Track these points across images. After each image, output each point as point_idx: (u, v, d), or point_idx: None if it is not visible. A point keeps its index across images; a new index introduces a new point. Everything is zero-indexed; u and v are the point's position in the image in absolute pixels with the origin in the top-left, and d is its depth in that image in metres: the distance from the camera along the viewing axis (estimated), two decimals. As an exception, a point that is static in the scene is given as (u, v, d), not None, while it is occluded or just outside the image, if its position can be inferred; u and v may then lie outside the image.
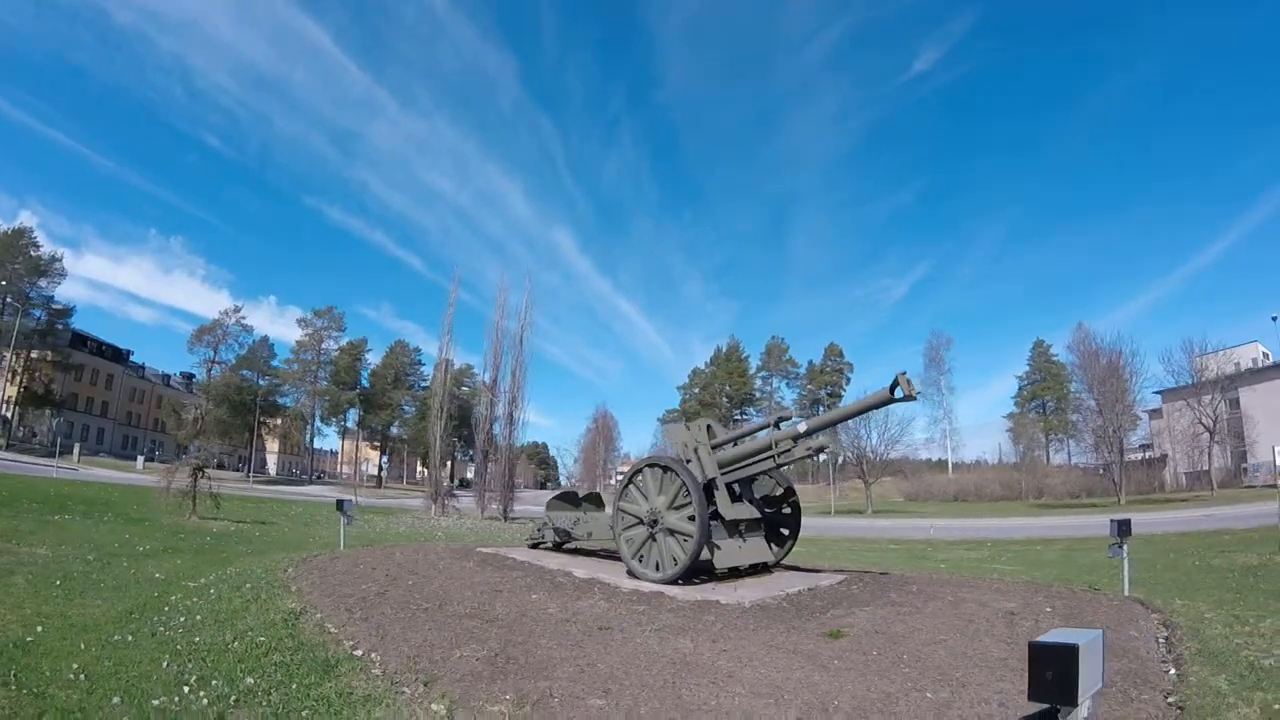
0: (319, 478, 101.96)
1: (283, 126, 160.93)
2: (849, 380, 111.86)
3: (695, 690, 5.16)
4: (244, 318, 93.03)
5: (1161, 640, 6.82)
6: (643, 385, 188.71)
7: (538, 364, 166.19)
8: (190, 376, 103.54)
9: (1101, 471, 65.40)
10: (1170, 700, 5.20)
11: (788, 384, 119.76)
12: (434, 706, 4.95)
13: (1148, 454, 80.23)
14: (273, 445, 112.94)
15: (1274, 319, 65.47)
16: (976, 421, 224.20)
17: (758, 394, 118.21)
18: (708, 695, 5.06)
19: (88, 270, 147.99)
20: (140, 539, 15.00)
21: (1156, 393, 72.72)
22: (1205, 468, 62.67)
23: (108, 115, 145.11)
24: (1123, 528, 10.79)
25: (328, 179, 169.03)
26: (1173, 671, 5.90)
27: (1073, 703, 2.97)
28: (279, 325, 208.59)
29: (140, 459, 69.17)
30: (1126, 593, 9.74)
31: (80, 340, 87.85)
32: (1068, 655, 2.99)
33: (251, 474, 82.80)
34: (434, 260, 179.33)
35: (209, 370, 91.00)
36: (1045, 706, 3.09)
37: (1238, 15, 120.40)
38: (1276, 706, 5.04)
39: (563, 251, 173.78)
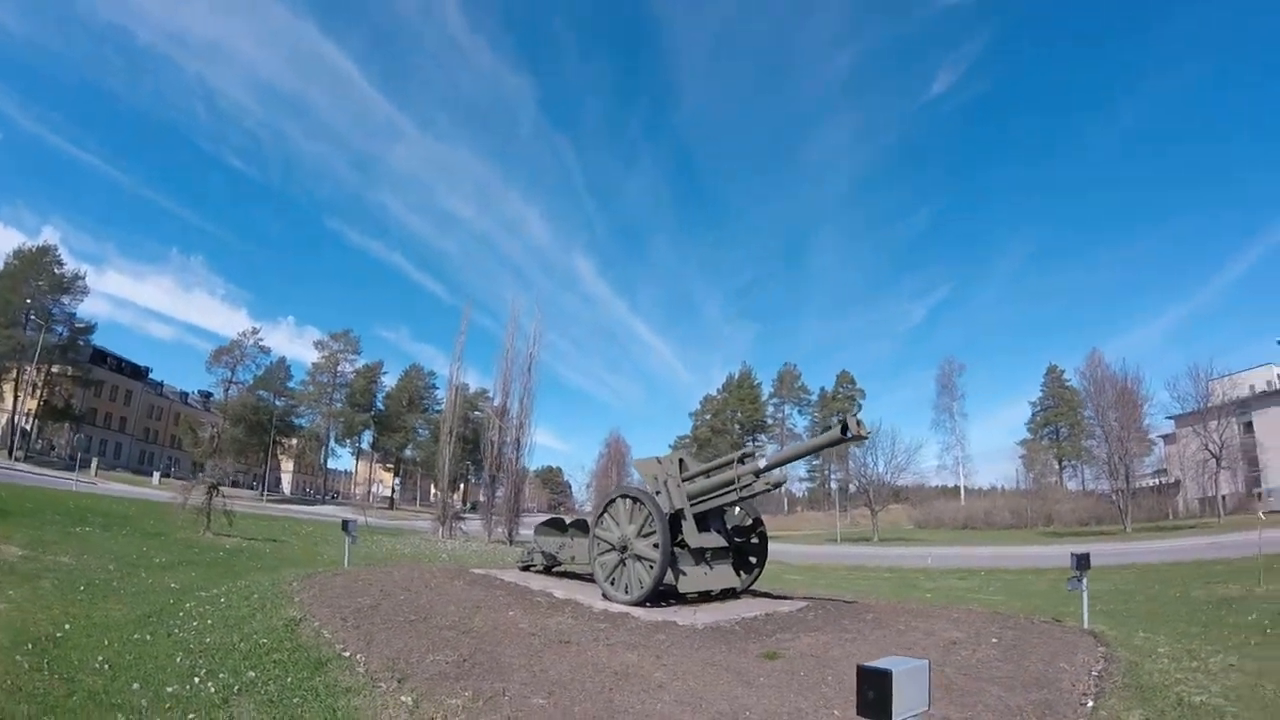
0: (333, 498, 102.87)
1: (304, 148, 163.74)
2: (860, 407, 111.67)
3: (627, 696, 5.94)
4: (262, 339, 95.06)
5: (1094, 673, 7.28)
6: (660, 408, 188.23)
7: (554, 387, 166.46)
8: (208, 395, 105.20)
9: (1113, 499, 65.21)
10: None
11: (800, 411, 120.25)
12: (403, 698, 5.75)
13: (1160, 480, 79.76)
14: (288, 465, 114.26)
15: (1278, 342, 65.19)
16: (991, 448, 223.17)
17: (769, 420, 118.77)
18: (636, 701, 5.84)
19: (109, 287, 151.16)
20: (157, 552, 15.83)
21: (1170, 418, 72.33)
22: (1213, 494, 62.50)
23: (132, 134, 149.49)
24: (1081, 561, 11.03)
25: (348, 201, 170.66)
26: (1090, 704, 6.31)
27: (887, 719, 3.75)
28: (297, 345, 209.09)
29: (156, 474, 70.28)
30: (1086, 624, 10.13)
31: (100, 356, 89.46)
32: (884, 679, 3.75)
33: (266, 493, 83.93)
34: (453, 284, 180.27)
35: (226, 390, 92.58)
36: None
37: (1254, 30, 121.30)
38: None
39: (581, 275, 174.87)
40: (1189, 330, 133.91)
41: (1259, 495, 61.31)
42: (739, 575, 11.87)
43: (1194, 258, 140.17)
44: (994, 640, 8.52)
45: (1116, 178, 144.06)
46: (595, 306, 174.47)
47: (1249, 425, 70.57)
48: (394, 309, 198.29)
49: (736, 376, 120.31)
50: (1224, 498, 61.94)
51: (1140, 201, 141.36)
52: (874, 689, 3.71)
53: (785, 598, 12.50)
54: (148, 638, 7.75)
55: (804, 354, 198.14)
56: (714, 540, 11.10)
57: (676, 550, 10.34)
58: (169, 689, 6.01)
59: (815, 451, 13.14)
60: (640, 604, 9.83)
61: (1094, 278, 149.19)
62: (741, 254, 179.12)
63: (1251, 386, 72.25)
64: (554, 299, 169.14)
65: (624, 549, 10.29)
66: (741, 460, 10.85)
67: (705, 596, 11.07)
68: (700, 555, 10.87)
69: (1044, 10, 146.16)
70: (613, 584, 10.41)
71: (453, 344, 50.80)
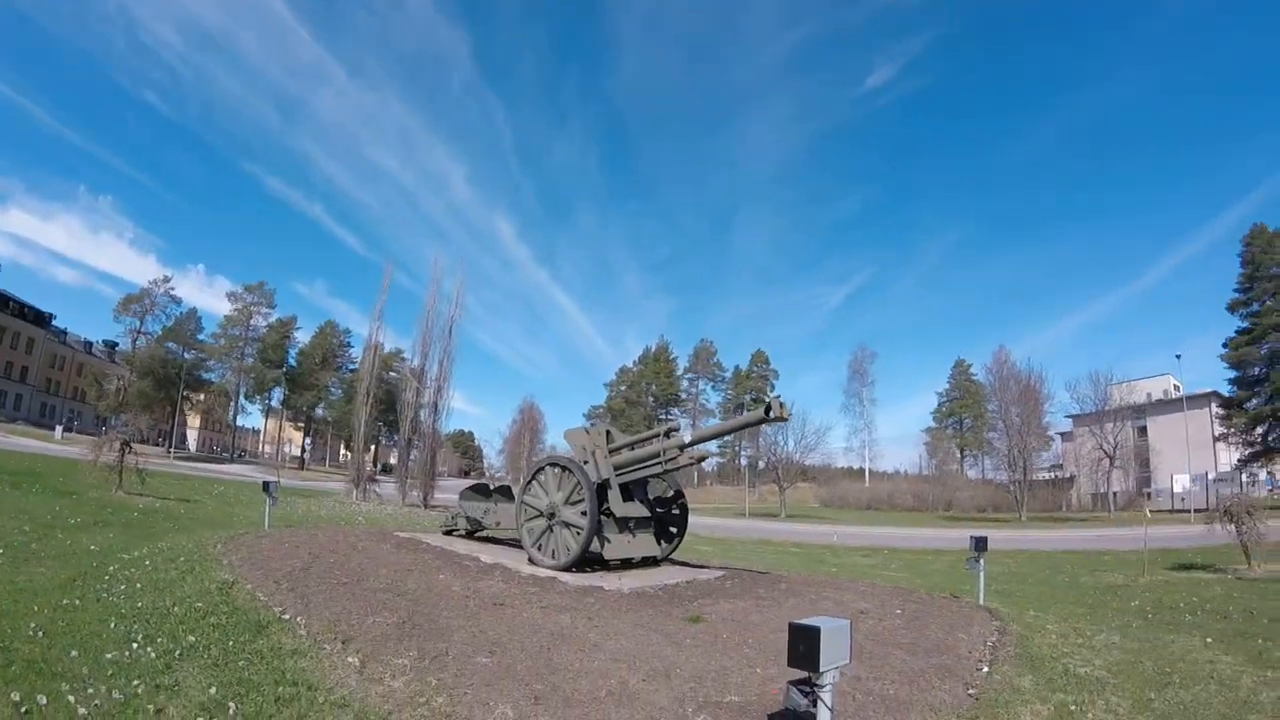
0: (240, 456, 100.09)
1: (227, 88, 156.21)
2: (773, 387, 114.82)
3: (565, 655, 6.35)
4: (173, 288, 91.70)
5: (989, 644, 7.98)
6: (574, 378, 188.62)
7: (469, 351, 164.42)
8: (114, 345, 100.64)
9: (1010, 489, 68.63)
10: (970, 693, 6.25)
11: (714, 387, 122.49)
12: (349, 659, 6.00)
13: (1056, 475, 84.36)
14: (194, 421, 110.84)
15: (1177, 357, 69.83)
16: (897, 433, 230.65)
17: (684, 395, 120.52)
18: (574, 659, 6.26)
19: (12, 225, 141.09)
20: (71, 512, 15.41)
21: (1069, 417, 76.58)
22: (1105, 490, 66.54)
23: (44, 62, 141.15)
24: (980, 544, 11.81)
25: (269, 146, 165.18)
26: (985, 669, 6.96)
27: (815, 669, 4.26)
28: (207, 296, 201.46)
29: (59, 428, 67.41)
30: (982, 601, 10.83)
31: (2, 301, 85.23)
32: (813, 634, 4.27)
33: (172, 449, 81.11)
34: (371, 239, 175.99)
35: (134, 340, 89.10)
36: (803, 673, 4.38)
37: (1191, 52, 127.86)
38: (1072, 708, 6.06)
39: (503, 238, 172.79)
40: (1094, 336, 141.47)
41: (1148, 495, 65.26)
42: (660, 544, 12.42)
43: (1106, 267, 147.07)
44: (898, 612, 9.20)
45: (1040, 181, 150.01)
46: (514, 270, 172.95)
47: (1143, 430, 75.48)
48: (309, 262, 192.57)
49: (653, 350, 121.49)
50: (1115, 494, 66.08)
51: (1060, 206, 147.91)
52: (804, 643, 4.26)
53: (703, 566, 13.12)
54: (77, 603, 7.66)
55: (721, 331, 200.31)
56: (638, 510, 11.58)
57: (602, 518, 10.74)
58: (108, 655, 5.98)
59: (738, 430, 13.72)
60: (567, 569, 10.25)
61: (1009, 277, 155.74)
62: (664, 227, 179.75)
63: (1149, 394, 77.23)
64: (473, 260, 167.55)
65: (552, 516, 10.66)
66: (667, 435, 11.32)
67: (628, 564, 11.54)
68: (624, 524, 11.33)
69: (987, 12, 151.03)
70: (540, 549, 10.78)
71: (369, 300, 50.21)
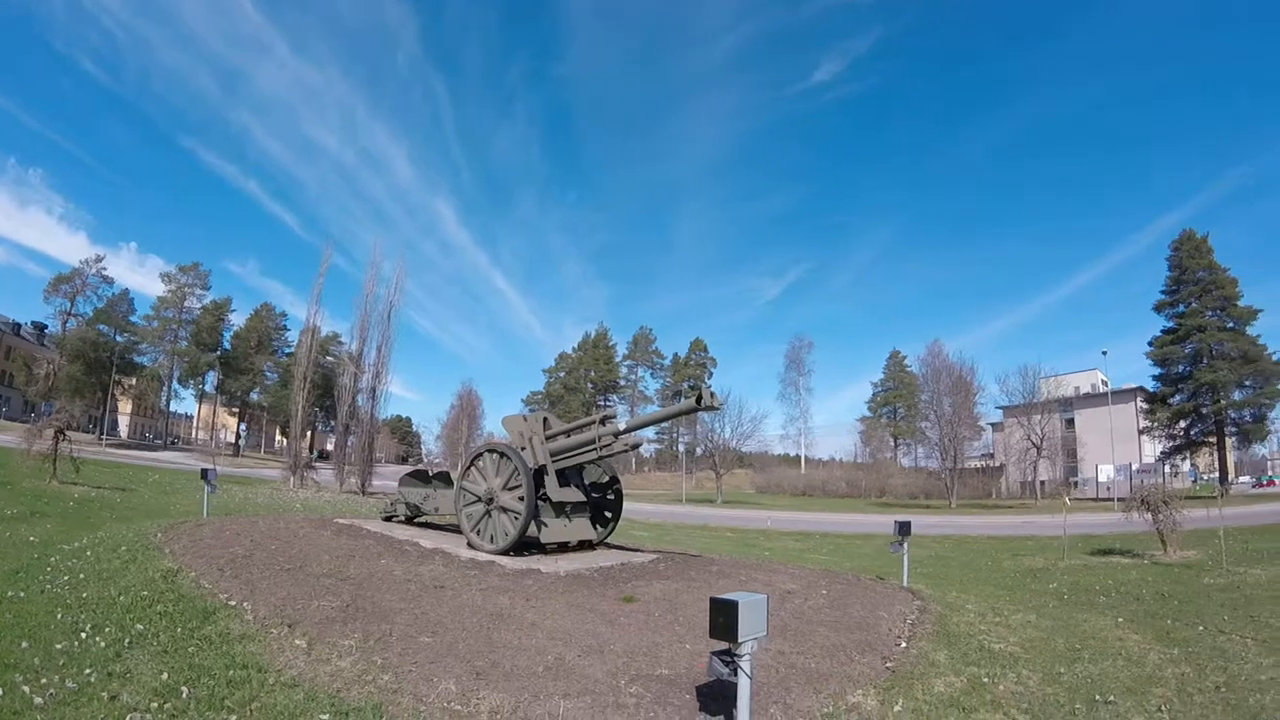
0: (174, 443, 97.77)
1: (165, 56, 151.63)
2: (711, 375, 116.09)
3: (504, 634, 6.71)
4: (105, 268, 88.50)
5: (909, 621, 8.52)
6: (512, 364, 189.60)
7: (407, 335, 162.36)
8: (43, 327, 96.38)
9: (942, 477, 70.72)
10: (888, 665, 6.73)
11: (652, 374, 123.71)
12: (297, 642, 6.24)
13: (986, 463, 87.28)
14: (125, 406, 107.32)
15: (1103, 353, 72.69)
16: (832, 421, 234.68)
17: (623, 382, 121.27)
18: (513, 637, 6.61)
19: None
20: (5, 503, 15.24)
21: (999, 408, 79.29)
22: (1033, 479, 69.10)
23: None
24: (903, 528, 12.33)
25: (206, 119, 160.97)
26: (903, 645, 7.46)
27: (735, 640, 4.69)
28: (139, 275, 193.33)
29: (-15, 416, 64.90)
30: (905, 583, 11.41)
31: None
32: (731, 608, 4.70)
33: (104, 436, 78.75)
34: (308, 218, 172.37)
35: (64, 323, 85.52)
36: (723, 645, 4.80)
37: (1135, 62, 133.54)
38: (984, 680, 6.55)
39: (442, 221, 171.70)
40: (1025, 332, 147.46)
41: (1074, 484, 67.92)
42: (596, 528, 12.80)
43: (1039, 267, 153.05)
44: (824, 592, 9.72)
45: (976, 183, 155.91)
46: (454, 255, 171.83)
47: (1071, 422, 78.64)
48: (244, 240, 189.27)
49: (593, 336, 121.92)
50: (1042, 483, 68.82)
51: (995, 209, 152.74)
52: (723, 616, 4.70)
53: (637, 550, 13.53)
54: (21, 595, 7.71)
55: (660, 319, 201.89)
56: (574, 495, 11.90)
57: (539, 503, 11.05)
58: (58, 645, 6.05)
59: (671, 418, 13.93)
60: (505, 553, 10.54)
61: (943, 273, 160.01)
62: (604, 215, 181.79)
63: (1076, 388, 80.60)
64: (413, 243, 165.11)
65: (490, 501, 10.92)
66: (603, 422, 11.61)
67: (564, 547, 11.87)
68: (561, 509, 11.64)
69: (932, 19, 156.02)
70: (478, 534, 11.04)
71: (304, 281, 49.40)
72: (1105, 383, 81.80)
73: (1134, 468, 58.53)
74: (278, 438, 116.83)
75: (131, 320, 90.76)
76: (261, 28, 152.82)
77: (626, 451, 11.57)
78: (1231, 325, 64.82)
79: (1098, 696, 6.39)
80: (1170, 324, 68.62)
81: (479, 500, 11.09)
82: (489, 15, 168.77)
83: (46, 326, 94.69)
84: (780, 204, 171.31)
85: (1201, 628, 9.52)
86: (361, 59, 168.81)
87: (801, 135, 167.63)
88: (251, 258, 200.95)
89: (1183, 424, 68.13)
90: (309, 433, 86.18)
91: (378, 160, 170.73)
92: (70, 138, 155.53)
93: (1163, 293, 69.80)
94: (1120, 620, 9.91)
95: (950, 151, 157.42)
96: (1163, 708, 6.20)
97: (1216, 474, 66.81)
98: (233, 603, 7.33)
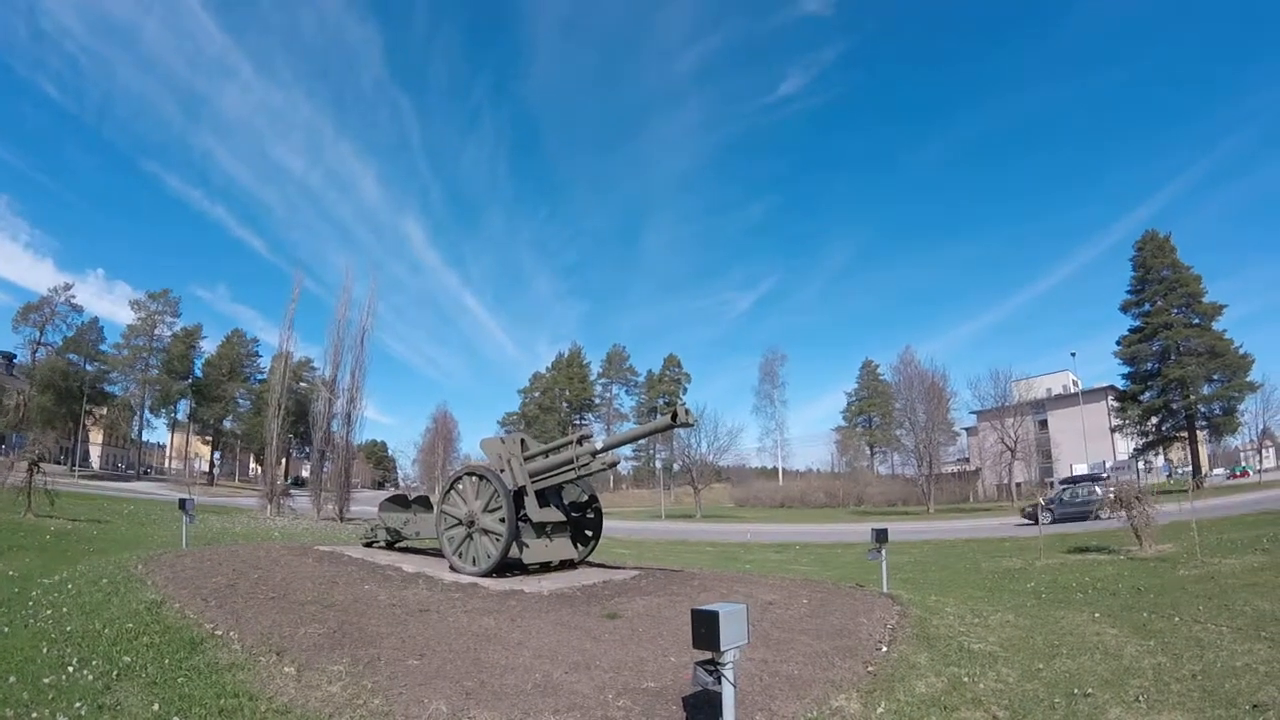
0: (147, 473, 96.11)
1: (129, 80, 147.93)
2: (685, 390, 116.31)
3: (491, 654, 6.80)
4: (74, 296, 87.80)
5: (889, 626, 8.70)
6: (486, 385, 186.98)
7: (379, 359, 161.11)
8: (12, 357, 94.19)
9: (918, 483, 71.30)
10: (869, 669, 6.89)
11: (627, 391, 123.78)
12: (286, 669, 6.29)
13: (962, 468, 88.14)
14: (97, 437, 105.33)
15: (1072, 354, 73.98)
16: (808, 433, 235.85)
17: (598, 400, 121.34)
18: (500, 657, 6.72)
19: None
20: (-19, 537, 15.02)
21: (973, 413, 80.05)
22: (1008, 481, 69.83)
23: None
24: (880, 535, 12.46)
25: (170, 143, 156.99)
26: (884, 649, 7.63)
27: (717, 649, 4.82)
28: (107, 302, 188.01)
29: (-49, 448, 63.72)
30: (885, 589, 11.56)
31: (-114, 309, 79.79)
32: (712, 618, 4.83)
33: (76, 468, 77.40)
34: (276, 242, 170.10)
35: (34, 352, 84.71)
36: (707, 654, 4.93)
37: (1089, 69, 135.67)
38: (965, 679, 6.71)
39: (412, 242, 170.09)
40: (995, 336, 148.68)
41: (1050, 484, 68.66)
42: (577, 547, 12.90)
43: (1006, 271, 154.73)
44: (804, 601, 9.91)
45: (942, 190, 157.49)
46: (424, 275, 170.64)
47: (1044, 423, 79.71)
48: (213, 266, 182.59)
49: (566, 355, 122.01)
50: (1018, 485, 69.47)
51: (961, 215, 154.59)
52: (705, 626, 4.84)
53: (619, 568, 13.64)
54: (5, 629, 7.61)
55: (632, 336, 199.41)
56: (554, 515, 12.01)
57: (520, 524, 11.13)
58: (45, 680, 5.97)
59: (647, 436, 14.16)
60: (487, 575, 10.64)
61: (913, 281, 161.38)
62: (574, 232, 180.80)
63: (1048, 389, 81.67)
64: (383, 264, 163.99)
65: (471, 524, 11.02)
66: (580, 441, 11.78)
67: (546, 567, 11.97)
68: (541, 529, 11.75)
69: (896, 28, 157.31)
70: (460, 557, 11.14)
71: (275, 306, 48.95)
72: (1076, 383, 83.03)
73: (1108, 465, 59.37)
74: (252, 465, 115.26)
75: (101, 349, 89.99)
76: (227, 50, 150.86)
77: (604, 470, 11.68)
78: (1197, 321, 65.80)
79: (1076, 690, 6.54)
80: (1137, 323, 69.55)
81: (460, 523, 11.17)
82: (453, 33, 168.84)
83: (15, 356, 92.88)
84: (750, 216, 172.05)
85: (1177, 619, 9.69)
86: (326, 79, 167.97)
87: (769, 147, 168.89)
88: (220, 283, 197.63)
89: (1154, 420, 68.95)
90: (284, 460, 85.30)
91: (345, 181, 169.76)
92: (33, 163, 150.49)
93: (1128, 292, 70.85)
94: (1097, 615, 10.07)
95: (916, 158, 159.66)
96: (1140, 698, 6.34)
97: (1190, 468, 67.77)
98: (219, 632, 7.33)
